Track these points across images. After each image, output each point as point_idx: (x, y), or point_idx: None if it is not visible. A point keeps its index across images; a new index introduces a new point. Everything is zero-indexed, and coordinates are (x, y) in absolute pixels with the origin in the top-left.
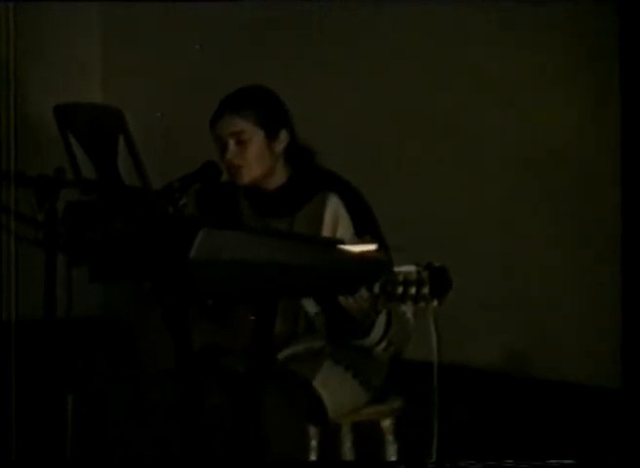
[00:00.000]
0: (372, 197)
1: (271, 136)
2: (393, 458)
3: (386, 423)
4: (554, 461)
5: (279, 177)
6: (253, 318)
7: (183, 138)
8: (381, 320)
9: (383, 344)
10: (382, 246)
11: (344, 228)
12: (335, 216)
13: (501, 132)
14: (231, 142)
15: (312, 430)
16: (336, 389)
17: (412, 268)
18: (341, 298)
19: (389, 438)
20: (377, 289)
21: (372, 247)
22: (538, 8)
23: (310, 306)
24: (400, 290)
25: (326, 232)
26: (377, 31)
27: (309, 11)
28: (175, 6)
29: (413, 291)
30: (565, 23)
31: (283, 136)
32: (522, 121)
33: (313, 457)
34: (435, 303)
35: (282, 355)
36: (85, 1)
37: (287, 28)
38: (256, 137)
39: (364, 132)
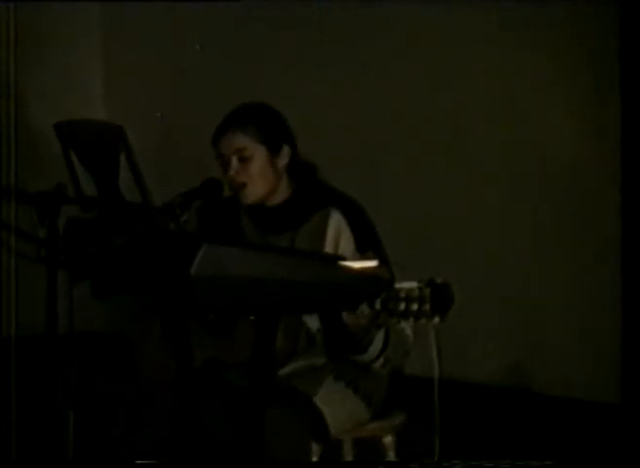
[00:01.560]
0: (371, 197)
1: (274, 152)
2: None
3: (388, 439)
4: (535, 462)
5: (282, 193)
6: (252, 318)
7: (184, 139)
8: (380, 336)
9: (381, 360)
10: (384, 262)
11: (346, 244)
12: (337, 232)
13: (501, 132)
14: (234, 159)
15: (314, 446)
16: (337, 405)
17: (414, 285)
18: (342, 314)
19: (390, 454)
20: (378, 305)
21: (373, 263)
22: (538, 8)
23: (312, 322)
24: (402, 306)
25: (328, 248)
26: (377, 31)
27: (309, 11)
28: (175, 6)
29: (414, 307)
30: (565, 23)
31: (285, 152)
32: (522, 121)
33: None
34: (437, 320)
35: (283, 371)
36: (86, 1)
37: (287, 28)
38: (258, 154)
39: (363, 131)
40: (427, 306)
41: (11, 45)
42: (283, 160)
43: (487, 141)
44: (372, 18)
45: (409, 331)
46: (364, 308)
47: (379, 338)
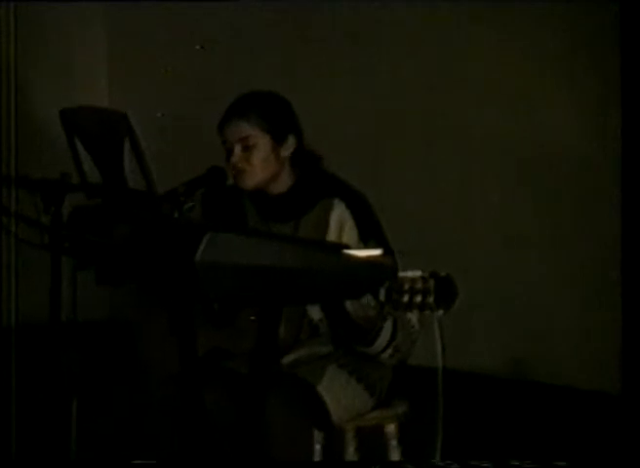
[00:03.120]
0: (371, 198)
1: (278, 142)
2: None
3: (390, 428)
4: (529, 462)
5: (285, 182)
6: (253, 318)
7: (187, 138)
8: (388, 327)
9: (389, 351)
10: (388, 251)
11: (350, 233)
12: (340, 222)
13: (502, 132)
14: (238, 147)
15: (316, 435)
16: (340, 394)
17: (417, 274)
18: (348, 306)
19: (393, 443)
20: (382, 297)
21: (377, 252)
22: (538, 8)
23: (314, 312)
24: (406, 298)
25: (331, 237)
26: (377, 31)
27: (309, 11)
28: (178, 5)
29: (419, 299)
30: (566, 24)
31: (290, 142)
32: (522, 121)
33: None
34: (441, 312)
35: (286, 360)
36: (87, 0)
37: (287, 28)
38: (262, 143)
39: (364, 132)
40: (431, 298)
41: (11, 44)
42: (287, 150)
43: (488, 141)
44: (372, 18)
45: (415, 322)
46: (369, 300)
47: (387, 329)
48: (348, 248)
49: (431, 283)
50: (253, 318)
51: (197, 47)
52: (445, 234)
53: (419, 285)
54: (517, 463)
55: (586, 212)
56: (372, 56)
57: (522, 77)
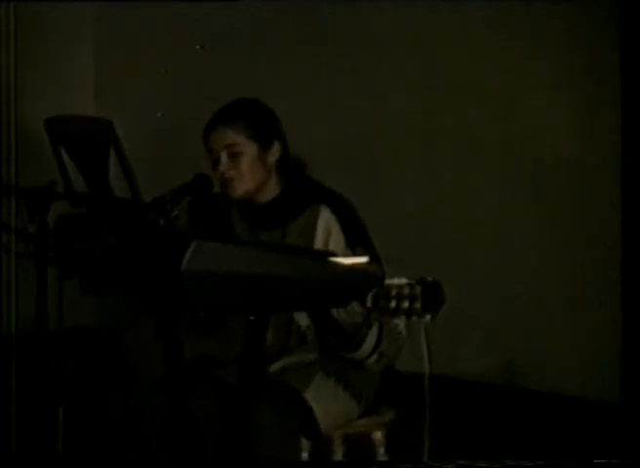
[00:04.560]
0: (367, 202)
1: (264, 149)
2: None
3: (377, 435)
4: (528, 461)
5: (271, 190)
6: (252, 318)
7: (186, 138)
8: (373, 333)
9: (375, 357)
10: (374, 258)
11: (336, 241)
12: (327, 229)
13: (502, 132)
14: (224, 155)
15: (303, 442)
16: (327, 401)
17: (403, 281)
18: (334, 311)
19: (380, 450)
20: (369, 302)
21: (364, 259)
22: (538, 9)
23: (302, 319)
24: (393, 304)
25: (318, 244)
26: (377, 31)
27: (309, 11)
28: (174, 6)
29: (405, 305)
30: (566, 24)
31: (276, 148)
32: (522, 122)
33: None
34: (428, 318)
35: (274, 367)
36: (84, 1)
37: (287, 28)
38: (248, 150)
39: (364, 132)
40: (418, 304)
41: (11, 37)
42: (273, 156)
43: (487, 141)
44: (372, 18)
45: (402, 327)
46: (356, 306)
47: (372, 335)
48: (335, 255)
49: (418, 289)
50: (252, 317)
51: (197, 47)
52: (445, 234)
53: (405, 291)
54: (514, 463)
55: (586, 212)
56: (372, 56)
57: (522, 77)
